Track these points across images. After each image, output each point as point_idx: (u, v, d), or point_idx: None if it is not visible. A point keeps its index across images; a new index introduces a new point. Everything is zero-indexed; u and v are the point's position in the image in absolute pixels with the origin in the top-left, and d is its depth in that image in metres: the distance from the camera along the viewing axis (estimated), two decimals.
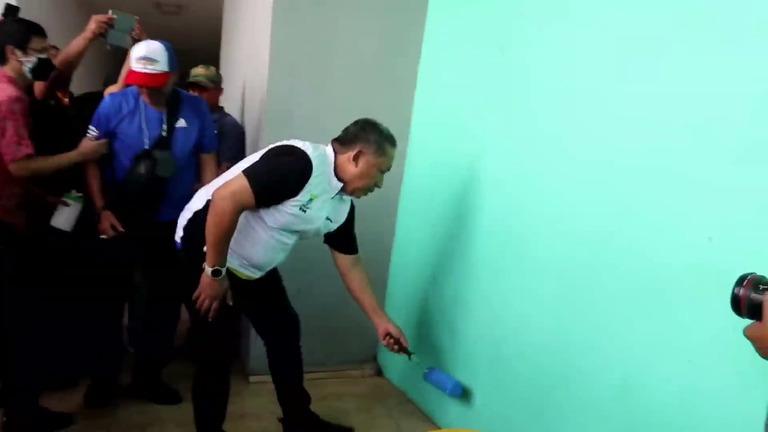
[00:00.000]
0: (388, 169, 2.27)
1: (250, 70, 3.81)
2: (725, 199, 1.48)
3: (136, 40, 2.74)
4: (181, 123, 2.71)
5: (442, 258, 2.82)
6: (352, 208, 2.41)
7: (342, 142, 2.22)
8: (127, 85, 2.69)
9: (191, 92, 3.34)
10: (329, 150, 2.21)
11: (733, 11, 1.51)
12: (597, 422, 1.85)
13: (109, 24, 2.73)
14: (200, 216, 2.12)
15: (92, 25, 2.71)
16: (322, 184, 2.14)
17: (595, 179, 1.92)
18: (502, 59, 2.46)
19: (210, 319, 2.13)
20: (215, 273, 2.06)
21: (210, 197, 2.07)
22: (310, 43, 3.03)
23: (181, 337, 3.40)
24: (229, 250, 2.13)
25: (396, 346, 2.40)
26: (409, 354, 2.42)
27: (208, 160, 2.87)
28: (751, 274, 1.14)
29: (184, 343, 3.46)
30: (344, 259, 2.45)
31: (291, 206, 2.10)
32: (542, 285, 2.14)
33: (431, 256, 2.92)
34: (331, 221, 2.30)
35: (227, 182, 2.05)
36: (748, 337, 1.10)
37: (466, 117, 2.71)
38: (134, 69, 2.51)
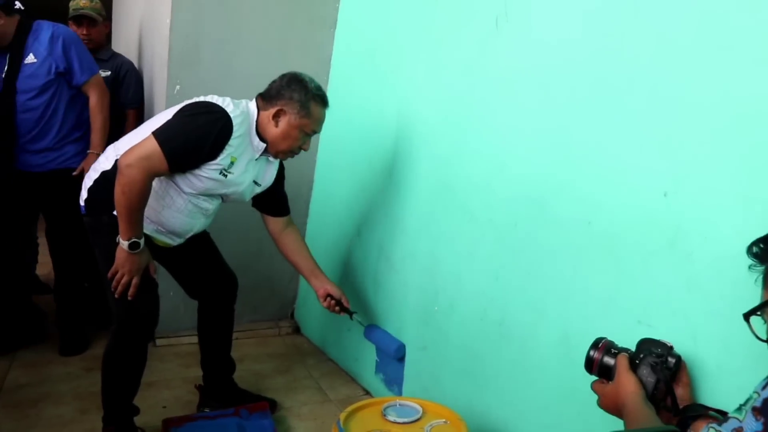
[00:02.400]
0: (315, 132, 2.07)
1: (147, 4, 3.44)
2: (681, 154, 1.39)
3: None
4: (30, 59, 2.57)
5: (366, 210, 2.67)
6: (281, 167, 2.21)
7: (265, 97, 2.01)
8: None
9: (72, 27, 3.04)
10: (252, 106, 2.00)
11: None
12: (534, 381, 1.78)
13: None
14: (109, 177, 1.87)
15: None
16: (243, 145, 1.93)
17: (540, 126, 1.80)
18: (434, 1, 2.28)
19: (130, 297, 1.89)
20: (132, 246, 1.84)
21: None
22: None
23: None
24: None
25: (337, 307, 2.28)
26: (350, 314, 2.30)
27: (91, 92, 2.66)
28: (603, 338, 1.33)
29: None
30: (275, 222, 2.27)
31: (210, 170, 1.89)
32: (477, 239, 2.02)
33: (354, 209, 2.75)
34: (258, 184, 2.09)
35: (134, 146, 1.80)
36: (594, 391, 1.30)
37: (394, 59, 2.53)
38: None
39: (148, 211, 1.90)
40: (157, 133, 1.81)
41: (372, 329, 2.48)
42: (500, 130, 1.95)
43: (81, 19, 3.10)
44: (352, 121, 2.81)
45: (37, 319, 3.03)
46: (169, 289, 2.30)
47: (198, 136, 1.84)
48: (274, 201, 2.25)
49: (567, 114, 1.71)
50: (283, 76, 2.02)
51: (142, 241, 1.86)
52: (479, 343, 2.00)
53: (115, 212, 1.83)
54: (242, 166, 1.97)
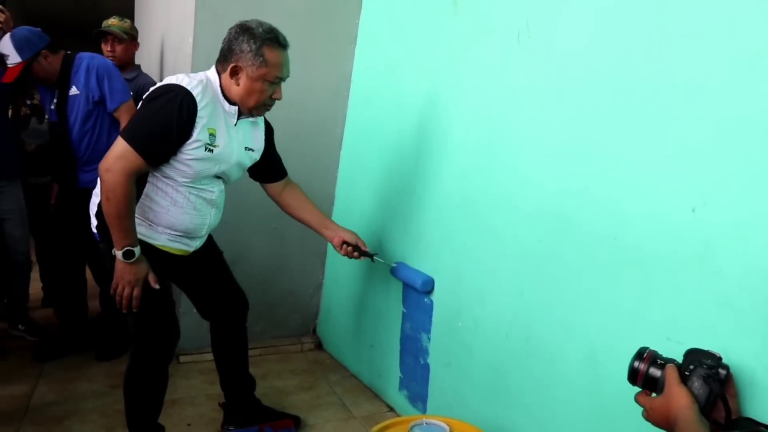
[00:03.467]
0: (281, 78, 1.94)
1: (170, 23, 3.49)
2: (709, 168, 1.37)
3: (2, 30, 2.54)
4: (73, 90, 2.80)
5: (388, 225, 2.66)
6: (270, 129, 2.16)
7: (220, 59, 1.92)
8: None
9: (102, 44, 3.22)
10: (211, 74, 1.92)
11: None
12: (560, 398, 1.76)
13: None
14: None
15: None
16: (215, 113, 1.87)
17: (562, 141, 1.78)
18: (455, 14, 2.27)
19: (134, 309, 1.86)
20: (127, 255, 1.79)
21: None
22: None
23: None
24: (150, 225, 1.89)
25: (356, 253, 2.23)
26: (371, 256, 2.27)
27: (121, 118, 2.79)
28: (647, 348, 1.27)
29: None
30: (274, 187, 2.24)
31: (193, 150, 1.83)
32: (500, 255, 2.00)
33: (376, 224, 2.75)
34: (252, 150, 2.04)
35: (109, 151, 1.78)
36: (640, 403, 1.24)
37: (414, 74, 2.53)
38: None
39: (155, 217, 1.88)
40: (123, 131, 1.80)
41: (398, 267, 2.45)
42: (522, 145, 1.94)
43: (106, 36, 3.23)
44: (373, 137, 2.82)
45: (88, 328, 3.17)
46: (191, 306, 2.31)
47: (160, 119, 1.77)
48: (268, 166, 2.20)
49: (590, 129, 1.69)
50: (229, 31, 1.91)
51: (137, 250, 1.81)
52: (504, 359, 1.98)
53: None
54: (224, 136, 1.90)
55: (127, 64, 3.29)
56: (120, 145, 1.76)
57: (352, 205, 3.01)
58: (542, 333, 1.83)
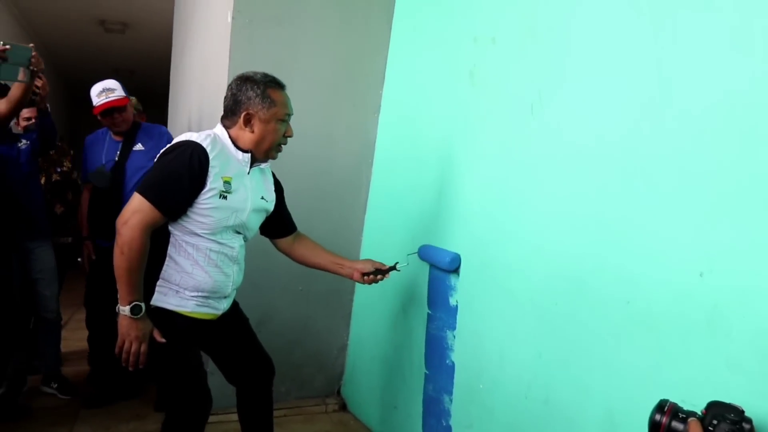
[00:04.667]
0: (289, 115, 2.04)
1: (202, 93, 3.68)
2: (718, 234, 1.43)
3: (35, 73, 2.60)
4: (138, 147, 3.14)
5: (410, 288, 2.73)
6: (278, 184, 2.24)
7: (226, 115, 2.01)
8: (33, 105, 3.00)
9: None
10: (218, 129, 2.01)
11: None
12: None
13: (3, 57, 2.45)
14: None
15: None
16: (228, 162, 1.94)
17: (575, 207, 1.86)
18: (472, 85, 2.40)
19: (141, 366, 1.88)
20: (135, 310, 1.82)
21: None
22: (269, 65, 2.92)
23: None
24: (178, 291, 1.94)
25: (379, 276, 2.25)
26: (395, 268, 2.27)
27: None
28: (668, 401, 1.24)
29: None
30: (286, 241, 2.30)
31: (209, 199, 1.88)
32: (518, 318, 2.05)
33: (398, 286, 2.82)
34: (266, 200, 2.11)
35: (126, 205, 1.85)
36: None
37: (434, 143, 2.64)
38: (98, 103, 3.07)
39: (182, 279, 1.92)
40: (139, 187, 1.86)
41: (424, 249, 2.48)
42: (537, 212, 2.01)
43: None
44: (396, 203, 2.92)
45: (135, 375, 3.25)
46: (215, 368, 2.37)
47: (172, 170, 1.84)
48: (280, 220, 2.26)
49: (601, 197, 1.76)
50: (229, 87, 2.01)
51: (143, 305, 1.84)
52: (524, 421, 2.00)
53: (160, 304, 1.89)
54: (239, 184, 1.96)
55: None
56: (136, 200, 1.83)
57: None
58: (561, 395, 1.86)
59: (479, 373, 2.23)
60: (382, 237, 3.06)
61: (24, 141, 3.16)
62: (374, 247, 3.13)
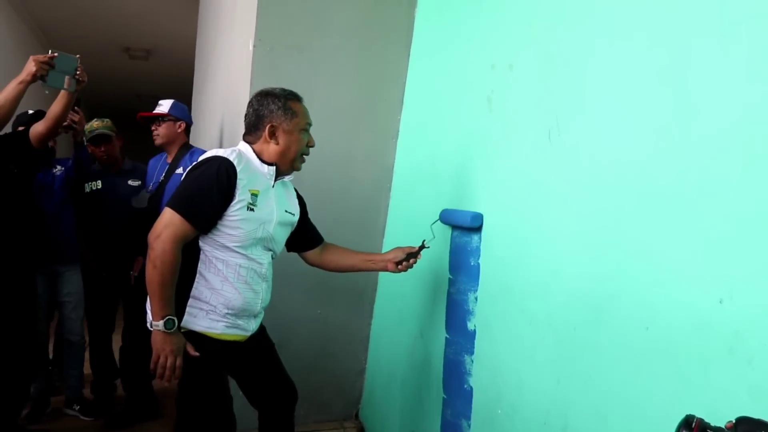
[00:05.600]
0: (309, 125, 2.13)
1: (224, 119, 3.75)
2: (737, 260, 1.43)
3: (80, 82, 2.66)
4: (180, 170, 3.21)
5: (428, 312, 2.73)
6: (301, 199, 2.29)
7: (249, 131, 2.08)
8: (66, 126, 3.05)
9: (90, 148, 3.52)
10: (242, 145, 2.08)
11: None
12: None
13: (50, 64, 2.55)
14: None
15: (31, 67, 2.52)
16: (255, 176, 2.00)
17: (593, 231, 1.86)
18: (489, 111, 2.42)
19: (176, 379, 1.91)
20: (168, 324, 1.86)
21: None
22: None
23: None
24: (209, 311, 1.96)
25: (412, 260, 2.29)
26: (423, 246, 2.32)
27: None
28: (694, 416, 1.18)
29: None
30: (314, 253, 2.34)
31: (237, 211, 1.94)
32: (537, 342, 2.05)
33: (416, 311, 2.82)
34: (291, 213, 2.16)
35: (157, 220, 1.90)
36: None
37: (452, 168, 2.66)
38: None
39: (212, 295, 1.95)
40: (168, 203, 1.91)
41: (445, 213, 2.50)
42: (555, 235, 2.01)
43: (98, 140, 3.50)
44: (415, 227, 2.93)
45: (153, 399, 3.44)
46: (237, 388, 2.39)
47: (200, 183, 1.91)
48: (306, 233, 2.30)
49: (619, 221, 1.77)
50: (250, 104, 2.09)
51: (176, 319, 1.87)
52: None
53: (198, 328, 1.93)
54: (265, 196, 2.02)
55: (118, 159, 3.65)
56: (167, 214, 1.88)
57: (395, 293, 3.09)
58: (579, 422, 1.84)
59: (497, 398, 2.22)
60: None
61: (59, 167, 3.25)
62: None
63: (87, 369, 3.59)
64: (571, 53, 2.03)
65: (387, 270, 2.33)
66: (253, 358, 2.21)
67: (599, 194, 1.86)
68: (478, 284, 2.37)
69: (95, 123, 3.55)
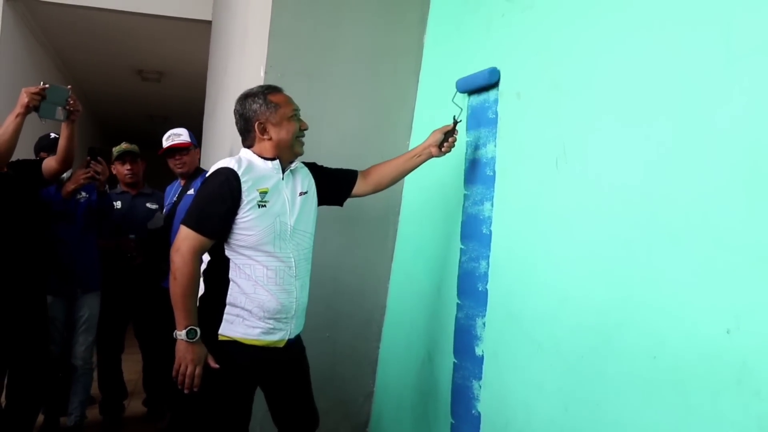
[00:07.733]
0: (296, 111, 2.17)
1: (234, 143, 3.79)
2: (744, 290, 1.43)
3: (71, 113, 2.72)
4: (191, 191, 3.34)
5: (436, 338, 2.73)
6: (310, 165, 2.33)
7: (243, 137, 2.17)
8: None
9: (118, 166, 3.76)
10: (242, 153, 2.15)
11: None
12: None
13: (42, 95, 2.61)
14: (204, 300, 2.03)
15: (24, 99, 2.58)
16: (261, 176, 2.07)
17: (599, 259, 1.87)
18: (497, 139, 2.45)
19: (195, 389, 1.96)
20: (191, 334, 1.94)
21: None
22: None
23: None
24: (245, 317, 2.02)
25: (450, 138, 2.36)
26: (456, 121, 2.40)
27: None
28: None
29: None
30: (359, 185, 2.40)
31: (249, 211, 2.01)
32: (545, 369, 2.05)
33: (424, 336, 2.83)
34: (306, 193, 2.20)
35: (176, 237, 2.00)
36: None
37: (460, 194, 2.67)
38: (165, 145, 3.37)
39: (246, 299, 2.02)
40: (182, 219, 2.02)
41: (461, 81, 2.53)
42: (562, 264, 2.02)
43: (125, 157, 3.74)
44: (423, 253, 2.95)
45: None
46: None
47: (206, 195, 2.02)
48: (337, 180, 2.36)
49: (626, 250, 1.78)
50: (235, 111, 2.17)
51: (198, 330, 1.95)
52: None
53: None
54: (276, 192, 2.08)
55: (141, 181, 3.87)
56: (182, 230, 1.98)
57: (403, 317, 3.09)
58: None
59: (505, 425, 2.21)
60: (408, 287, 3.08)
61: (83, 194, 3.28)
62: (401, 297, 3.15)
63: (95, 389, 3.62)
64: (579, 81, 2.06)
65: (432, 156, 2.40)
66: (288, 378, 2.25)
67: (607, 222, 1.87)
68: (486, 310, 2.38)
69: (124, 145, 3.78)
